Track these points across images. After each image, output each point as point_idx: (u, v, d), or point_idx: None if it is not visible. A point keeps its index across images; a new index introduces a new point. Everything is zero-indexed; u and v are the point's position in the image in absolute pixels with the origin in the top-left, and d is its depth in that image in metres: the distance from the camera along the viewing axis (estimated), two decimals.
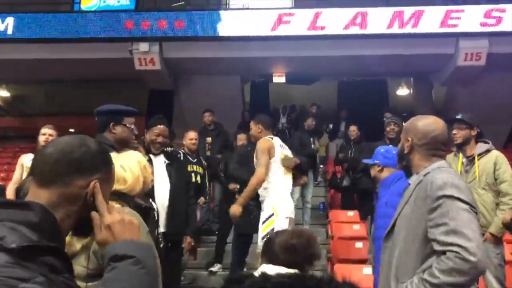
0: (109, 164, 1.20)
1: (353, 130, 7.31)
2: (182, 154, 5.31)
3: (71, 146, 1.13)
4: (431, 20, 8.72)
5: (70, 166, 1.10)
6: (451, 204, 1.69)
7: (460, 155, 3.56)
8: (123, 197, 1.89)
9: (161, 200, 3.67)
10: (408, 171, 2.24)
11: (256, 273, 0.96)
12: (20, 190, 3.92)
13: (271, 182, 3.93)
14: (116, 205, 1.22)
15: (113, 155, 1.60)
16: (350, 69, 10.32)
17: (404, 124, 2.15)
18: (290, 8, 9.44)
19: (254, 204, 4.44)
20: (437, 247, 1.67)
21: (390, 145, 3.72)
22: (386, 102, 12.81)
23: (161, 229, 3.61)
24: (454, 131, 3.47)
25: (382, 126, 8.09)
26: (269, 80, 10.96)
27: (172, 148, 4.85)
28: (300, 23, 8.78)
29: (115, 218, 1.15)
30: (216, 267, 5.37)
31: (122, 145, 2.78)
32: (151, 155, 3.78)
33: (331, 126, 10.20)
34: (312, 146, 7.12)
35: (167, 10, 9.11)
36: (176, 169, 3.89)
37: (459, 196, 1.70)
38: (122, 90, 12.09)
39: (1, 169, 9.42)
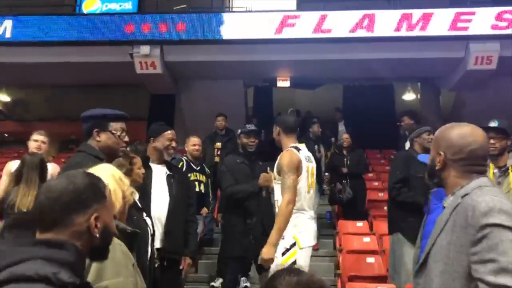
0: (101, 192, 1.30)
1: (346, 138, 7.06)
2: (184, 162, 4.98)
3: (60, 190, 1.23)
4: (440, 22, 8.45)
5: (64, 210, 1.21)
6: (500, 235, 1.39)
7: (491, 165, 3.21)
8: None
9: (159, 213, 3.38)
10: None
11: None
12: (4, 201, 3.68)
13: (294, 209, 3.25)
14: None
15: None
16: (356, 73, 10.05)
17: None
18: (295, 10, 9.17)
19: (252, 222, 4.11)
20: None
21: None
22: (392, 107, 12.56)
23: (157, 244, 3.33)
24: (492, 141, 3.09)
25: (387, 131, 7.91)
26: (273, 84, 10.69)
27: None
28: (305, 26, 8.53)
29: None
30: (217, 282, 5.05)
31: (109, 153, 2.50)
32: (151, 164, 3.52)
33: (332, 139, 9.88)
34: (317, 154, 6.85)
35: (168, 13, 8.88)
36: (178, 181, 3.59)
37: (509, 224, 1.40)
38: (123, 94, 11.89)
39: None
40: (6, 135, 13.61)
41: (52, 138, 4.65)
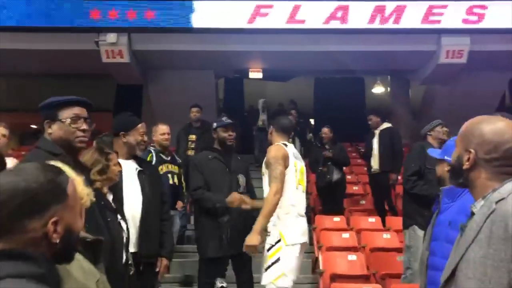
0: (61, 190, 1.07)
1: (325, 132, 6.91)
2: (153, 153, 4.60)
3: (8, 191, 1.00)
4: (413, 15, 8.43)
5: (13, 215, 1.00)
6: None
7: None
8: None
9: (132, 214, 3.12)
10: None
11: None
12: None
13: (281, 203, 3.23)
14: None
15: None
16: (328, 66, 9.96)
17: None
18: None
19: (224, 220, 3.83)
20: None
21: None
22: (362, 100, 12.61)
23: (132, 249, 3.09)
24: None
25: (358, 125, 7.90)
26: (244, 76, 10.49)
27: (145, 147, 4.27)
28: (278, 15, 8.33)
29: None
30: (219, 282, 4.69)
31: (65, 146, 2.20)
32: (120, 160, 3.25)
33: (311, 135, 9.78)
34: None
35: None
36: (149, 177, 3.34)
37: None
38: (88, 84, 11.42)
39: None
40: None
41: (13, 129, 4.31)
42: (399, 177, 6.23)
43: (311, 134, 9.55)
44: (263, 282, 3.30)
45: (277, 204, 3.20)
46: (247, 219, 3.67)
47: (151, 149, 4.59)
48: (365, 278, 4.23)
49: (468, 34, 8.49)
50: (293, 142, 6.92)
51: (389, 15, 8.44)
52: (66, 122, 2.18)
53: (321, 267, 4.61)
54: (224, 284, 4.32)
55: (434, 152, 2.61)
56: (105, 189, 2.74)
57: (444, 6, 8.47)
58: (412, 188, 3.87)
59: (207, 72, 9.71)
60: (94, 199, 2.69)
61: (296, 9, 8.37)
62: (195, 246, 4.20)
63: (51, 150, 2.16)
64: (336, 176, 6.33)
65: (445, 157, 2.44)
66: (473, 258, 1.30)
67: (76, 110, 2.21)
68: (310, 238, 6.01)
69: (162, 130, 4.79)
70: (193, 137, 6.34)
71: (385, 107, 10.59)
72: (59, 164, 1.61)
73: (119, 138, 3.32)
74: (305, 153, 7.84)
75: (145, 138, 3.50)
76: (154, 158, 4.43)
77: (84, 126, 2.20)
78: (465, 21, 8.48)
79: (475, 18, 8.49)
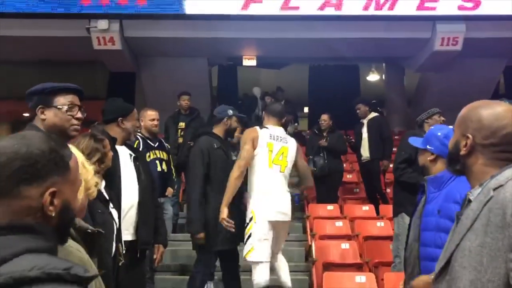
0: (63, 162, 1.03)
1: (324, 119, 6.84)
2: (140, 140, 4.43)
3: (9, 154, 0.97)
4: (408, 2, 8.34)
5: (12, 179, 0.97)
6: None
7: None
8: None
9: (130, 202, 3.10)
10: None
11: None
12: None
13: (251, 180, 3.53)
14: None
15: None
16: (323, 53, 9.86)
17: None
18: None
19: (213, 217, 3.74)
20: None
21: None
22: (357, 88, 12.55)
23: (128, 237, 3.06)
24: None
25: (353, 112, 7.86)
26: (238, 63, 10.39)
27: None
28: (272, 2, 8.21)
29: None
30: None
31: (58, 133, 2.16)
32: (117, 146, 3.20)
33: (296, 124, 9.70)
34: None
35: None
36: (143, 164, 3.32)
37: None
38: (80, 72, 11.29)
39: None
40: None
41: (3, 118, 4.23)
42: (390, 165, 6.23)
43: (296, 124, 9.46)
44: (242, 257, 3.60)
45: (239, 178, 3.51)
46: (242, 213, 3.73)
47: (138, 135, 4.46)
48: (357, 267, 4.22)
49: (463, 21, 8.41)
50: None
51: (384, 1, 8.33)
52: (62, 109, 2.14)
53: (314, 256, 4.59)
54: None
55: (415, 142, 2.58)
56: (100, 179, 2.69)
57: None
58: (401, 175, 3.90)
59: (201, 60, 9.61)
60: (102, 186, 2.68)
61: None
62: (188, 234, 4.15)
63: None
64: (322, 169, 6.25)
65: (427, 147, 2.43)
66: (469, 247, 1.25)
67: (71, 98, 2.18)
68: (304, 226, 6.02)
69: (151, 116, 4.64)
70: (182, 124, 6.26)
71: (377, 95, 10.55)
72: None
73: (115, 124, 3.25)
74: None
75: (138, 124, 3.53)
76: (141, 145, 4.33)
77: (79, 115, 2.17)
78: (460, 7, 8.40)
79: (470, 4, 8.41)
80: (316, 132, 6.96)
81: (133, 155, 3.28)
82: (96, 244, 1.43)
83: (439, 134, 2.44)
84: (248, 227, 3.53)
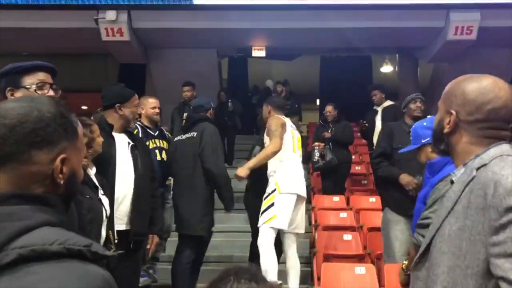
0: (73, 128, 1.00)
1: (329, 110, 6.74)
2: (140, 129, 4.34)
3: (20, 116, 0.92)
4: None
5: (22, 143, 0.92)
6: None
7: None
8: None
9: (125, 190, 3.05)
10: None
11: None
12: None
13: (278, 158, 3.78)
14: None
15: None
16: (334, 43, 9.72)
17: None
18: None
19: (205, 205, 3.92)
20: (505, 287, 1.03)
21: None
22: (370, 79, 12.37)
23: (122, 226, 3.01)
24: None
25: (365, 104, 7.74)
26: (248, 54, 10.30)
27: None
28: None
29: None
30: None
31: None
32: (114, 133, 3.15)
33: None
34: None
35: None
36: (141, 152, 3.25)
37: None
38: (91, 64, 11.34)
39: None
40: None
41: None
42: None
43: (299, 123, 9.34)
44: (259, 225, 3.77)
45: (273, 153, 3.75)
46: None
47: (137, 124, 4.39)
48: (359, 258, 4.13)
49: (478, 9, 8.19)
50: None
51: None
52: (31, 89, 2.03)
53: (316, 247, 4.51)
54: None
55: (407, 148, 2.52)
56: (88, 163, 2.65)
57: None
58: (377, 170, 3.91)
59: (210, 51, 9.53)
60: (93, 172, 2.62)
61: None
62: None
63: None
64: (329, 162, 6.17)
65: (422, 142, 2.36)
66: (449, 230, 1.16)
67: (41, 76, 2.06)
68: (309, 218, 5.94)
69: (152, 103, 4.50)
70: (186, 115, 6.19)
71: (391, 87, 10.36)
72: None
73: (112, 110, 3.20)
74: None
75: (139, 111, 3.48)
76: (140, 134, 4.27)
77: (51, 93, 2.05)
78: None
79: None
80: (322, 123, 6.87)
81: (131, 143, 3.22)
82: None
83: (425, 124, 2.43)
84: (269, 197, 3.74)
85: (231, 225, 5.93)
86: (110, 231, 2.67)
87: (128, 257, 3.03)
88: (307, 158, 6.93)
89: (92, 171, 2.71)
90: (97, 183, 2.68)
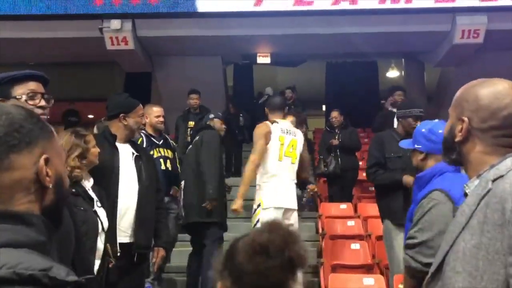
0: (47, 127, 0.94)
1: (335, 116, 6.65)
2: (144, 138, 4.28)
3: None
4: None
5: (0, 149, 0.86)
6: None
7: None
8: None
9: (128, 202, 2.99)
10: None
11: None
12: None
13: (262, 171, 3.75)
14: None
15: None
16: (339, 49, 9.68)
17: None
18: None
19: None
20: None
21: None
22: (376, 85, 12.29)
23: (126, 239, 2.96)
24: None
25: (371, 109, 7.67)
26: (253, 61, 10.27)
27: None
28: None
29: None
30: None
31: None
32: (118, 144, 3.11)
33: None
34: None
35: None
36: (145, 163, 3.19)
37: None
38: (97, 73, 11.35)
39: None
40: None
41: None
42: None
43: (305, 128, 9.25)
44: None
45: (253, 171, 3.75)
46: None
47: (141, 132, 4.34)
48: (367, 268, 4.03)
49: (485, 13, 8.10)
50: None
51: None
52: (21, 99, 1.95)
53: (323, 256, 4.43)
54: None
55: (405, 144, 2.43)
56: (83, 174, 2.59)
57: None
58: (374, 179, 3.80)
59: (215, 58, 9.52)
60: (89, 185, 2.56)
61: None
62: None
63: None
64: (333, 170, 6.10)
65: (415, 146, 2.28)
66: (463, 248, 1.06)
67: (32, 86, 1.98)
68: (316, 226, 5.86)
69: (157, 112, 4.44)
70: (191, 123, 6.16)
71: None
72: None
73: (117, 120, 3.15)
74: None
75: (143, 121, 3.42)
76: (145, 142, 4.22)
77: (42, 103, 1.96)
78: None
79: None
80: (328, 129, 6.78)
81: (136, 154, 3.17)
82: None
83: (423, 130, 2.30)
84: (255, 213, 3.72)
85: (237, 234, 5.85)
86: (108, 244, 2.60)
87: (132, 270, 2.98)
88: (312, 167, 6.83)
89: (88, 183, 2.65)
90: (93, 195, 2.62)
